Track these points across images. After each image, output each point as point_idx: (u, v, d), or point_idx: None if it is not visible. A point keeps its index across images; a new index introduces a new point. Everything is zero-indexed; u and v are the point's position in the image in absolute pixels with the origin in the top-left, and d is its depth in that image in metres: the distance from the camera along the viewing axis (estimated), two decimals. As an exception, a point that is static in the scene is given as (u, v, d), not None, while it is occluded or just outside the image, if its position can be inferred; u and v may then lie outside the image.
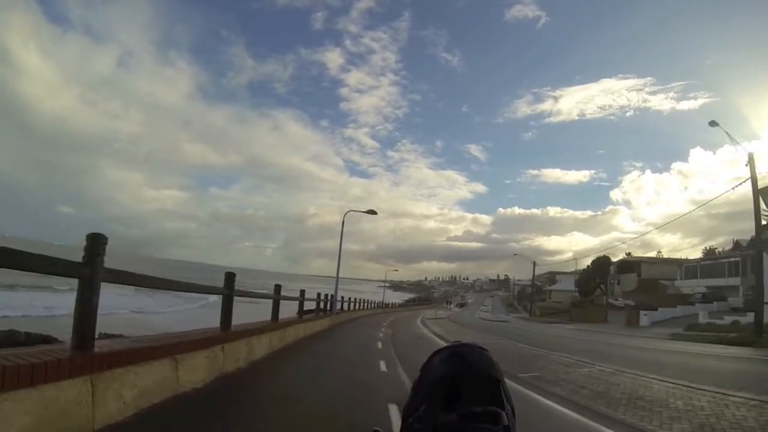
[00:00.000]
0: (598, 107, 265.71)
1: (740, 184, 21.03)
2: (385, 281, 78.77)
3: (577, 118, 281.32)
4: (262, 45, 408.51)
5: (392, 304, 69.21)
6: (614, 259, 60.60)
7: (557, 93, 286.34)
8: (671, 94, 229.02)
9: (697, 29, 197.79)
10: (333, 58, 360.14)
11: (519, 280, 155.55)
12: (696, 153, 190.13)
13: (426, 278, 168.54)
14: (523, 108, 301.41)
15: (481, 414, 0.65)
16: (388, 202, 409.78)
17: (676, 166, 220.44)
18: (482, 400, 0.67)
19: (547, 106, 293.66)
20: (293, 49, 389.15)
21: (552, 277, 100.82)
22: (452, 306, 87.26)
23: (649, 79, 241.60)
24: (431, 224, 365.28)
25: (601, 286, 58.49)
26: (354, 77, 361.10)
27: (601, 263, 58.40)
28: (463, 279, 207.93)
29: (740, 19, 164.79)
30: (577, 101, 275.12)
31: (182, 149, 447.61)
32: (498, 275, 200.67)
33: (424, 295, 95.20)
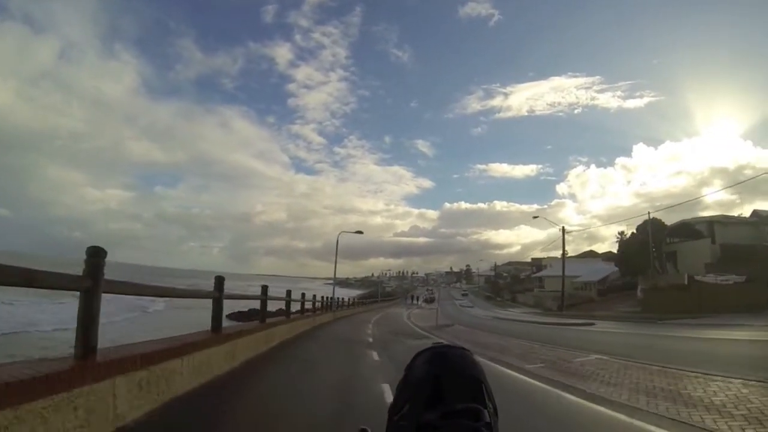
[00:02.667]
0: (547, 104, 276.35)
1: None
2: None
3: (526, 114, 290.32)
4: (212, 38, 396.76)
5: (343, 302, 48.28)
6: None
7: (508, 89, 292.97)
8: (618, 92, 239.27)
9: (645, 31, 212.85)
10: (282, 53, 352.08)
11: (481, 270, 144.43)
12: (639, 148, 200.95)
13: (373, 274, 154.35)
14: (473, 104, 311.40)
15: (462, 411, 0.67)
16: (335, 199, 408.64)
17: (620, 160, 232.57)
18: (464, 399, 0.69)
19: (497, 102, 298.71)
20: (243, 43, 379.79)
21: (538, 263, 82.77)
22: (419, 302, 65.69)
23: (597, 77, 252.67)
24: (378, 220, 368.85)
25: (655, 262, 39.22)
26: (303, 73, 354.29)
27: (654, 227, 39.10)
28: (413, 273, 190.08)
29: (686, 22, 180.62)
30: (527, 98, 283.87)
31: (127, 147, 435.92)
32: (451, 268, 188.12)
33: (380, 290, 73.17)
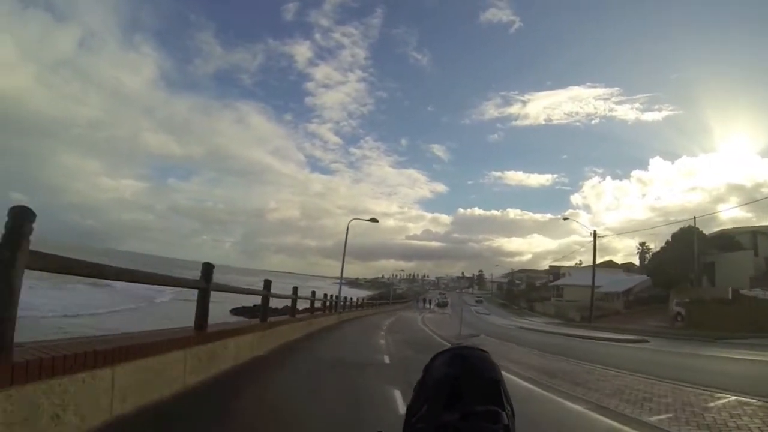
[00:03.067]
0: (565, 113, 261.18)
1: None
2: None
3: (543, 122, 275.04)
4: (232, 33, 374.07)
5: (351, 302, 46.14)
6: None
7: (526, 97, 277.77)
8: (637, 105, 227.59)
9: (665, 45, 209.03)
10: (302, 51, 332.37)
11: (494, 277, 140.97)
12: (655, 162, 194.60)
13: (383, 275, 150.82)
14: (490, 110, 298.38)
15: (481, 413, 0.67)
16: (348, 199, 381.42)
17: (636, 173, 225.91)
18: (483, 401, 0.69)
19: (514, 109, 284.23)
20: (263, 40, 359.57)
21: (555, 271, 79.59)
22: (431, 305, 63.26)
23: (616, 89, 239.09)
24: (390, 222, 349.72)
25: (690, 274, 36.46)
26: (321, 72, 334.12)
27: (688, 238, 36.34)
28: (424, 277, 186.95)
29: (705, 39, 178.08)
30: (545, 106, 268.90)
31: (143, 138, 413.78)
32: (463, 273, 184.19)
33: (392, 292, 70.71)
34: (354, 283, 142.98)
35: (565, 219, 72.03)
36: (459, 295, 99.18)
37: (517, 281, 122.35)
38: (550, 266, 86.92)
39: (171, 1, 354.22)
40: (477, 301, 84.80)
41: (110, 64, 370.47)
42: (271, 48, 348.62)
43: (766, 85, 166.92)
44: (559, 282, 72.42)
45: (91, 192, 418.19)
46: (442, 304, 69.71)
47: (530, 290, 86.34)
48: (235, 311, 30.68)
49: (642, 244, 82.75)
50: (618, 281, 63.38)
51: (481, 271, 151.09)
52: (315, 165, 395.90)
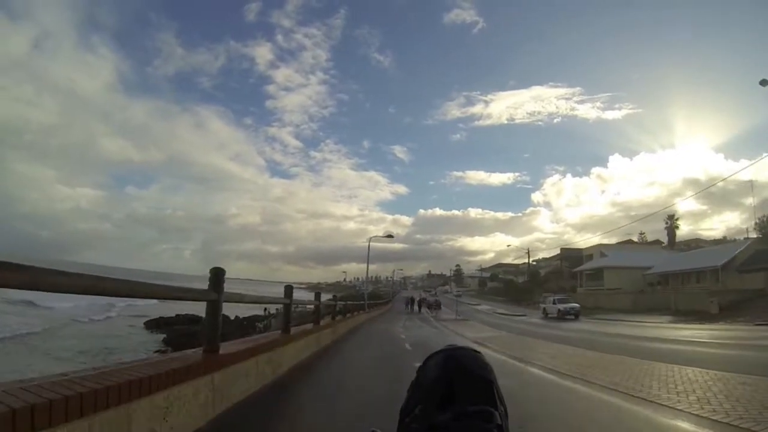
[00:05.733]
0: (527, 113, 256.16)
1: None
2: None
3: (506, 122, 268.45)
4: (194, 33, 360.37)
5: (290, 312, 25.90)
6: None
7: (489, 97, 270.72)
8: (598, 103, 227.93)
9: (627, 46, 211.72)
10: (263, 53, 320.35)
11: (476, 270, 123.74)
12: (615, 159, 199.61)
13: (345, 279, 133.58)
14: (453, 111, 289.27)
15: (474, 413, 0.67)
16: (309, 203, 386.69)
17: (596, 170, 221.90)
18: (476, 401, 0.69)
19: (477, 109, 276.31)
20: (224, 41, 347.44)
21: (577, 254, 60.02)
22: (419, 309, 41.22)
23: (578, 88, 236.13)
24: (351, 225, 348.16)
25: None
26: (282, 74, 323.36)
27: None
28: (387, 278, 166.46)
29: (665, 40, 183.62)
30: (507, 106, 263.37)
31: (100, 144, 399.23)
32: (430, 271, 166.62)
33: (366, 291, 48.04)
34: (315, 287, 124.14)
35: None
36: (436, 294, 78.79)
37: (499, 275, 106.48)
38: (561, 249, 67.73)
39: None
40: (457, 294, 64.34)
41: (65, 66, 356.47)
42: (233, 49, 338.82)
43: (721, 84, 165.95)
44: (591, 265, 52.64)
45: (45, 201, 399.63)
46: (432, 306, 47.85)
47: (535, 281, 66.66)
48: (150, 324, 29.16)
49: (671, 217, 66.40)
50: (690, 257, 44.69)
51: (458, 265, 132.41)
52: (275, 169, 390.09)
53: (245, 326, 33.25)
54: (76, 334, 24.81)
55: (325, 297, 25.75)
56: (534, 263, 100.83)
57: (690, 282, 40.26)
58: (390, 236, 28.43)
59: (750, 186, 56.38)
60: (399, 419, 0.77)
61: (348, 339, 14.40)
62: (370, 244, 28.81)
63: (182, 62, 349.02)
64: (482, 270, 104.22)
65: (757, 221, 51.42)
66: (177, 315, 31.96)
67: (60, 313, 32.59)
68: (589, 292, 49.62)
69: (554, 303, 34.15)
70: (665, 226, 65.79)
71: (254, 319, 37.88)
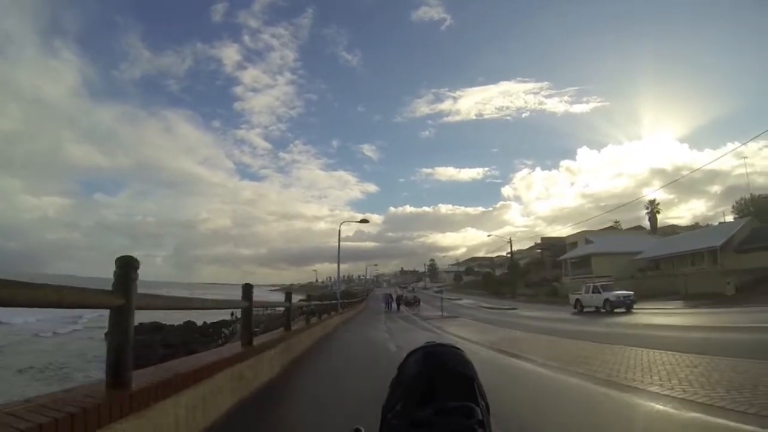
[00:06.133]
0: (496, 108, 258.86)
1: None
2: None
3: (474, 117, 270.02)
4: (160, 35, 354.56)
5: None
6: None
7: (457, 93, 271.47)
8: (566, 97, 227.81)
9: (594, 40, 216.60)
10: (230, 54, 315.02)
11: (450, 264, 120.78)
12: (583, 151, 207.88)
13: (317, 279, 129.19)
14: (422, 108, 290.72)
15: (455, 409, 0.67)
16: (279, 205, 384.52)
17: (565, 163, 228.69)
18: (457, 397, 0.69)
19: (446, 106, 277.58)
20: (191, 42, 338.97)
21: (560, 242, 57.27)
22: (397, 306, 36.78)
23: (546, 83, 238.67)
24: (322, 225, 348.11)
25: None
26: (250, 75, 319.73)
27: None
28: (360, 277, 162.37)
29: (631, 34, 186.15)
30: (476, 102, 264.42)
31: (66, 151, 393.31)
32: (402, 268, 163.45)
33: (340, 290, 43.41)
34: (288, 288, 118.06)
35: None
36: (412, 291, 74.96)
37: (475, 268, 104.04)
38: (542, 239, 64.96)
39: (95, 2, 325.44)
40: (438, 290, 61.00)
41: (29, 72, 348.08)
42: (199, 51, 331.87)
43: (685, 76, 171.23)
44: (577, 253, 49.73)
45: (11, 212, 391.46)
46: (410, 303, 43.69)
47: (515, 272, 63.68)
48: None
49: (652, 201, 64.82)
50: (682, 239, 42.26)
51: (432, 260, 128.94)
52: (244, 172, 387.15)
53: (210, 333, 32.32)
54: (33, 350, 23.73)
55: (297, 298, 21.16)
56: (508, 255, 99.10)
57: (684, 265, 37.65)
58: (365, 221, 24.42)
59: (714, 175, 55.54)
60: (381, 416, 0.75)
61: (322, 351, 10.24)
62: (341, 229, 24.84)
63: (149, 65, 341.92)
64: (458, 264, 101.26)
65: (735, 204, 51.66)
66: (140, 324, 30.32)
67: (23, 328, 31.22)
68: (575, 281, 46.73)
69: (596, 291, 24.82)
70: (646, 211, 64.18)
71: (222, 324, 36.14)
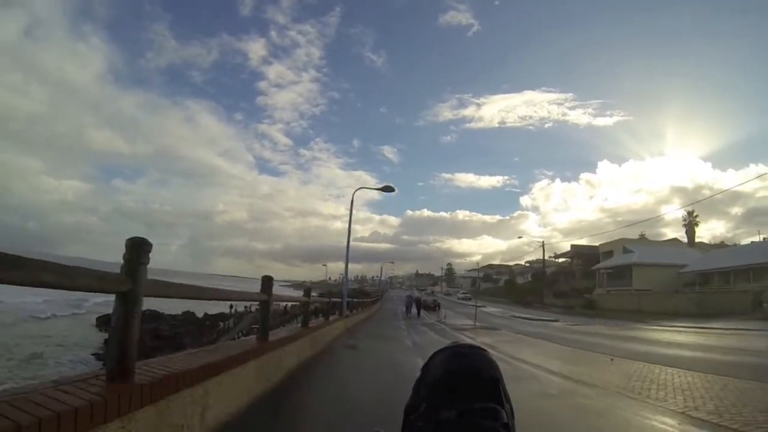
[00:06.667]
0: (519, 117, 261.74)
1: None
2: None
3: (497, 125, 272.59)
4: (188, 25, 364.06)
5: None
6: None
7: (481, 100, 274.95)
8: (589, 110, 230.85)
9: (620, 55, 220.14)
10: (256, 48, 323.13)
11: (466, 270, 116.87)
12: (603, 165, 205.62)
13: (330, 277, 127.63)
14: (445, 112, 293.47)
15: (480, 410, 0.66)
16: (297, 201, 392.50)
17: (585, 176, 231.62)
18: (482, 398, 0.68)
19: (469, 111, 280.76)
20: (218, 34, 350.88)
21: (592, 252, 53.07)
22: (419, 310, 32.88)
23: (570, 94, 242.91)
24: (338, 225, 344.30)
25: None
26: (275, 71, 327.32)
27: None
28: (374, 277, 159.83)
29: (657, 50, 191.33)
30: (499, 109, 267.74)
31: (88, 135, 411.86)
32: (417, 270, 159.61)
33: (345, 286, 40.09)
34: (300, 286, 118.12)
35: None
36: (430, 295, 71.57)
37: (494, 276, 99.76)
38: (571, 245, 60.43)
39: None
40: (464, 297, 57.78)
41: (56, 55, 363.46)
42: (226, 44, 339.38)
43: (710, 95, 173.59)
44: (615, 262, 45.44)
45: (31, 193, 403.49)
46: (432, 307, 40.00)
47: (538, 280, 59.52)
48: (102, 321, 24.65)
49: (690, 213, 60.06)
50: (741, 252, 37.73)
51: (449, 264, 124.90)
52: (263, 166, 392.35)
53: (207, 327, 28.38)
54: (21, 333, 21.67)
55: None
56: (527, 264, 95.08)
57: (740, 281, 33.42)
58: (389, 189, 19.22)
59: (735, 197, 52.54)
60: (404, 417, 0.74)
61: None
62: (356, 197, 20.76)
63: (175, 55, 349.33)
64: (478, 269, 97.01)
65: None
66: None
67: (20, 308, 29.34)
68: (612, 293, 42.56)
69: None
70: (683, 223, 59.63)
71: (220, 317, 31.16)
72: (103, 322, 27.69)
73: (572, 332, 19.41)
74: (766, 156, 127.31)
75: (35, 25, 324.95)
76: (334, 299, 16.98)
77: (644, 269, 40.79)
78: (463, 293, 61.24)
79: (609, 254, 48.78)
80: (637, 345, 13.94)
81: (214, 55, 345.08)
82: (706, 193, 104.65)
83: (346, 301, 19.66)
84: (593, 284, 48.88)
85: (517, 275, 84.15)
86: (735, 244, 50.52)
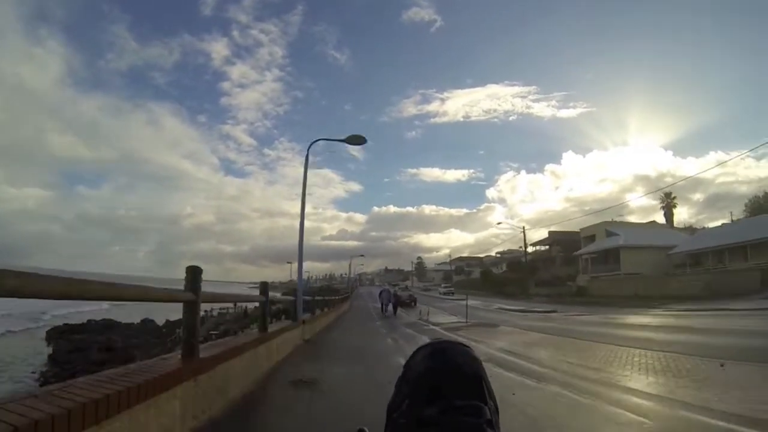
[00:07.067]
0: (483, 110, 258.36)
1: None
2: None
3: (462, 119, 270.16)
4: (148, 26, 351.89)
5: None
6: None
7: (445, 95, 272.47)
8: (553, 102, 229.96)
9: (582, 47, 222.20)
10: (219, 48, 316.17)
11: (439, 264, 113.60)
12: (568, 156, 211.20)
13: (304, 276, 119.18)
14: (409, 108, 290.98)
15: (463, 407, 0.65)
16: (263, 202, 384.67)
17: (550, 167, 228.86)
18: (465, 395, 0.67)
19: (434, 107, 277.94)
20: (179, 35, 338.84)
21: (571, 237, 50.62)
22: (396, 308, 28.20)
23: (534, 87, 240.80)
24: (305, 224, 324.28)
25: None
26: (238, 71, 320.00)
27: None
28: (342, 275, 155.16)
29: (618, 44, 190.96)
30: (463, 104, 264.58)
31: (48, 141, 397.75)
32: (386, 266, 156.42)
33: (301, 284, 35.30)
34: (270, 287, 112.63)
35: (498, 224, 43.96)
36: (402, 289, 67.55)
37: (465, 268, 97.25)
38: (549, 232, 57.89)
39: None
40: (447, 291, 53.88)
41: (11, 60, 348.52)
42: (187, 44, 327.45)
43: (671, 85, 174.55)
44: (600, 246, 42.81)
45: None
46: (404, 302, 35.65)
47: (515, 270, 56.80)
48: (53, 334, 25.16)
49: (668, 195, 58.68)
50: (733, 230, 35.54)
51: (419, 258, 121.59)
52: (229, 168, 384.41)
53: (164, 335, 28.72)
54: None
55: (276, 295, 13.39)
56: (498, 255, 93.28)
57: (735, 259, 31.21)
58: (357, 140, 13.03)
59: (696, 183, 53.75)
60: (386, 415, 0.73)
61: None
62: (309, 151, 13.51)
63: (135, 56, 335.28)
64: (450, 262, 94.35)
65: (747, 203, 50.37)
66: (89, 321, 29.37)
67: None
68: (601, 279, 39.86)
69: None
70: (661, 205, 58.28)
71: (179, 324, 29.38)
72: (52, 335, 26.53)
73: (586, 324, 15.82)
74: (724, 143, 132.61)
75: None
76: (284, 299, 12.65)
77: (632, 252, 38.29)
78: (445, 286, 57.83)
79: (591, 239, 46.33)
80: (692, 336, 10.39)
81: (175, 56, 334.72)
82: (669, 180, 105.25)
83: (309, 300, 15.29)
84: (575, 271, 46.37)
85: (490, 266, 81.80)
86: (704, 227, 49.79)
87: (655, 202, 64.08)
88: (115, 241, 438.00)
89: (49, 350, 22.79)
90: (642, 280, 33.25)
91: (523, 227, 49.81)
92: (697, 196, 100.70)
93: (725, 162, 70.30)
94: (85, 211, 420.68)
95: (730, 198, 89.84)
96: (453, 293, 49.44)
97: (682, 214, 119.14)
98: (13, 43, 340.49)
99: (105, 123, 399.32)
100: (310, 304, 15.52)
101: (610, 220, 46.04)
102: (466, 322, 17.98)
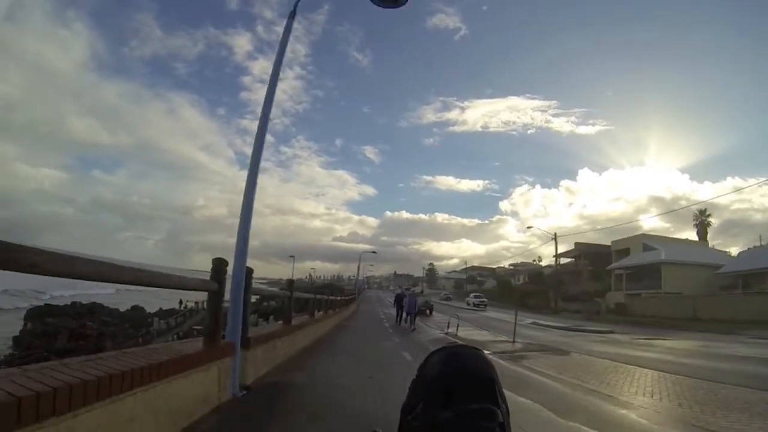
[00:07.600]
0: (502, 122, 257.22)
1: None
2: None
3: (480, 129, 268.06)
4: (174, 15, 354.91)
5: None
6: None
7: (465, 104, 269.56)
8: (572, 118, 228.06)
9: (605, 65, 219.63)
10: (242, 43, 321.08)
11: (449, 272, 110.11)
12: (584, 173, 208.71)
13: (306, 276, 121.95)
14: (428, 115, 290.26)
15: (476, 411, 0.67)
16: (276, 199, 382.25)
17: (565, 183, 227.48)
18: (478, 399, 0.68)
19: (453, 115, 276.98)
20: (204, 26, 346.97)
21: (600, 250, 46.92)
22: (407, 320, 23.71)
23: (554, 101, 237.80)
24: (317, 223, 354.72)
25: None
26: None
27: None
28: (350, 277, 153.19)
29: (642, 62, 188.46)
30: (483, 114, 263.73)
31: (67, 123, 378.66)
32: (395, 271, 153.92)
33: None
34: (276, 283, 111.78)
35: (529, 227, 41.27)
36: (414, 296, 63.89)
37: (478, 277, 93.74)
38: (575, 244, 54.04)
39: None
40: (479, 302, 47.20)
41: (36, 40, 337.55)
42: (212, 36, 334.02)
43: (691, 108, 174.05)
44: (637, 261, 39.12)
45: (5, 179, 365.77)
46: (424, 310, 32.06)
47: (537, 282, 53.14)
48: (31, 315, 26.09)
49: (702, 212, 54.73)
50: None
51: (431, 264, 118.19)
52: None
53: (148, 324, 28.65)
54: None
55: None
56: (511, 267, 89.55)
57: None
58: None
59: (711, 208, 51.16)
60: (400, 418, 0.74)
61: None
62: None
63: (159, 45, 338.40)
64: (463, 270, 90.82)
65: None
66: (72, 303, 29.02)
67: None
68: (639, 297, 36.23)
69: None
70: (694, 222, 54.36)
71: (170, 312, 33.58)
72: (30, 315, 25.88)
73: (689, 355, 12.40)
74: (742, 170, 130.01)
75: (17, 8, 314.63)
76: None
77: (675, 268, 34.72)
78: (475, 296, 50.16)
79: (624, 252, 42.67)
80: None
81: (199, 47, 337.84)
82: (683, 203, 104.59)
83: (307, 300, 12.24)
84: (605, 286, 42.73)
85: (507, 277, 78.16)
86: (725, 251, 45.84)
87: (668, 225, 60.72)
88: (127, 227, 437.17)
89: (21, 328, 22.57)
90: (702, 301, 29.53)
91: (555, 234, 46.31)
92: (713, 221, 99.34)
93: (742, 189, 68.00)
94: (99, 195, 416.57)
95: (744, 225, 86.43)
96: (486, 305, 44.89)
97: (693, 238, 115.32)
98: (40, 23, 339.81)
99: (125, 109, 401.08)
100: (304, 304, 13.26)
101: (647, 233, 42.45)
102: (513, 342, 14.59)
